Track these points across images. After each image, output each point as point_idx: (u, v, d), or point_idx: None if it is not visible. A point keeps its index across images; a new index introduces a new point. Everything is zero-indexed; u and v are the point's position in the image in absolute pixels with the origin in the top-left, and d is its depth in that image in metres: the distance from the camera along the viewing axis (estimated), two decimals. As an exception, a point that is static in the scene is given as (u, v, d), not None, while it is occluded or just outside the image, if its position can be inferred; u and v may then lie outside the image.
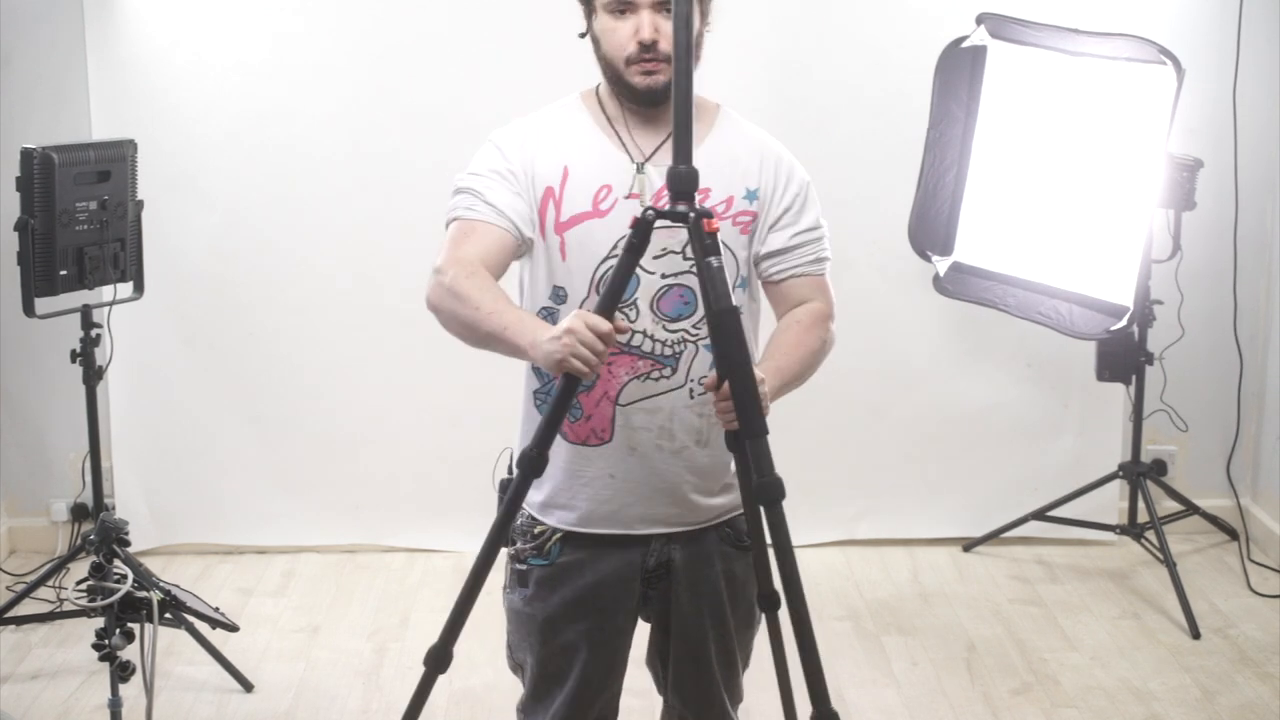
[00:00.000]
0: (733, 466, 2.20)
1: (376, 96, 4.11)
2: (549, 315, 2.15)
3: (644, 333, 2.12)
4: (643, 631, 2.35)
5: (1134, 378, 4.09)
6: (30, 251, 3.33)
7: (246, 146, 4.12)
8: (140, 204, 3.58)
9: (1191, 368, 4.33)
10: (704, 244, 1.91)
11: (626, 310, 2.11)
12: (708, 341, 2.10)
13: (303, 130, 4.12)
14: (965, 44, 3.87)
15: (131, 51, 4.04)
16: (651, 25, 2.05)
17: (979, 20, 3.86)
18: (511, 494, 2.06)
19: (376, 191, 4.15)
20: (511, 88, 4.10)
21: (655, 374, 2.13)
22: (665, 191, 2.08)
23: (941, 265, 3.99)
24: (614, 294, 1.94)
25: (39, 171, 3.30)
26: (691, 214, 1.91)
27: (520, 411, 2.28)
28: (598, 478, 2.18)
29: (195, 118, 4.09)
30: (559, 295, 2.14)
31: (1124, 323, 3.63)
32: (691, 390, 2.14)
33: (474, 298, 2.03)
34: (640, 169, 2.11)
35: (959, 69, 3.90)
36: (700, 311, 2.11)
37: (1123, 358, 4.04)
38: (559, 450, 2.16)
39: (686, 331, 2.13)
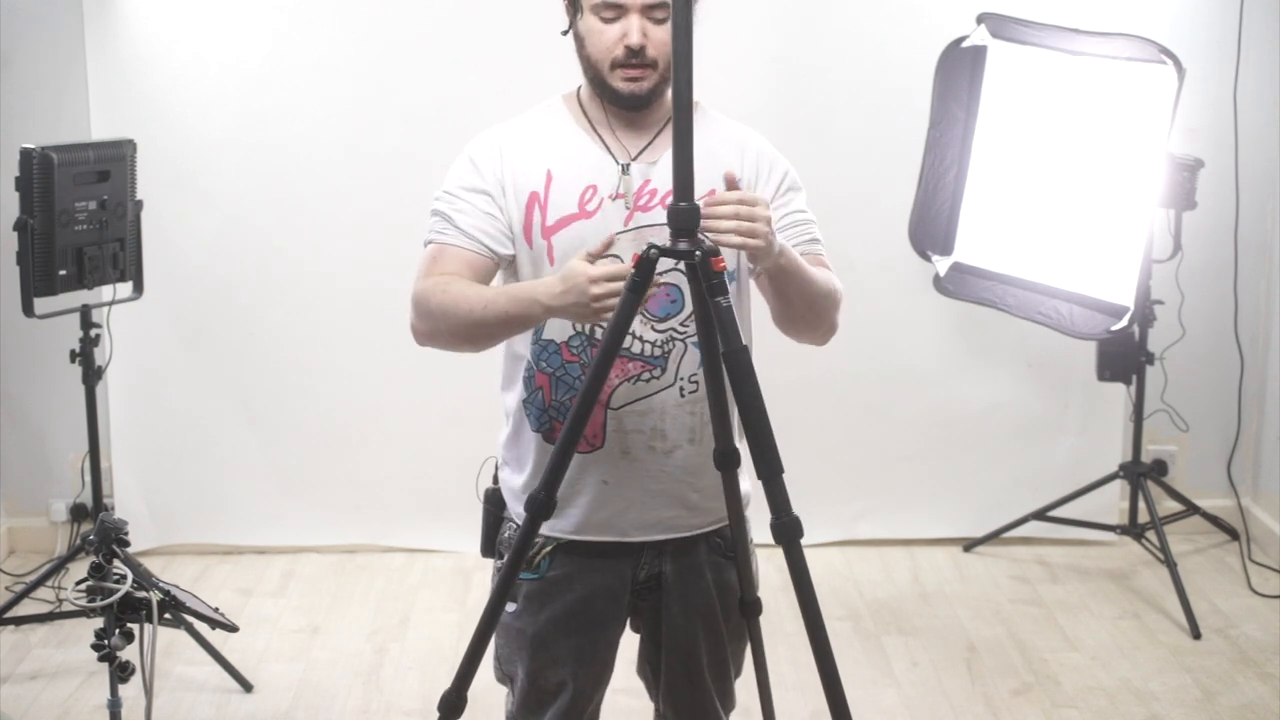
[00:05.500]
0: None
1: (375, 96, 4.11)
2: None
3: (633, 333, 2.07)
4: (630, 638, 2.33)
5: (1134, 378, 4.09)
6: (29, 251, 3.33)
7: (246, 146, 4.12)
8: (140, 204, 3.58)
9: (1192, 368, 4.32)
10: (711, 283, 1.87)
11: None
12: (695, 339, 2.08)
13: (303, 130, 4.12)
14: (965, 44, 3.87)
15: (131, 51, 4.03)
16: (640, 30, 2.01)
17: (979, 20, 3.85)
18: (520, 539, 2.02)
19: (376, 191, 4.15)
20: (512, 87, 4.10)
21: (646, 375, 2.10)
22: (646, 190, 2.07)
23: (942, 265, 3.99)
24: (619, 331, 1.90)
25: (38, 171, 3.30)
26: (697, 252, 1.87)
27: (509, 424, 2.23)
28: (591, 484, 2.14)
29: (195, 118, 4.08)
30: None
31: (1124, 323, 3.62)
32: (681, 389, 2.12)
33: (457, 303, 2.03)
34: (625, 170, 2.07)
35: (959, 69, 3.89)
36: (688, 309, 2.07)
37: (1123, 358, 4.05)
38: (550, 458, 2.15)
39: (674, 330, 2.10)
